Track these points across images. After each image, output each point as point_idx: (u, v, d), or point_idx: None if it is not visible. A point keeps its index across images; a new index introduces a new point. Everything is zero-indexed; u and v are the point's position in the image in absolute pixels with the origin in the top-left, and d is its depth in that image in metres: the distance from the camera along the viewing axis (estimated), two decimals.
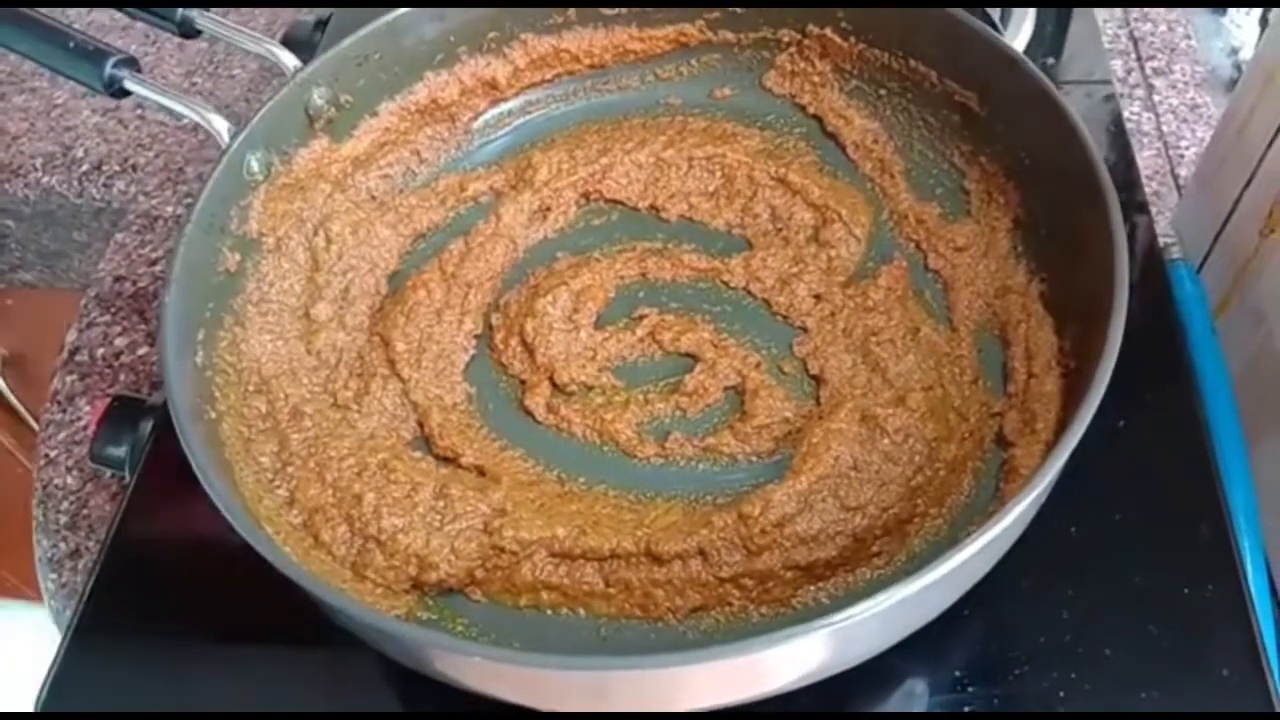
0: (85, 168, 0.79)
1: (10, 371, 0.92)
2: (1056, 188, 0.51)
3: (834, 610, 0.36)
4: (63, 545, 0.62)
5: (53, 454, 0.65)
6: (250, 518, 0.43)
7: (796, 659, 0.39)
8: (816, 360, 0.53)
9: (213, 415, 0.49)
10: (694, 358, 0.54)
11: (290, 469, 0.49)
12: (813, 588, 0.46)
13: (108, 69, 0.51)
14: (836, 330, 0.54)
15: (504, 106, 0.65)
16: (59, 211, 0.81)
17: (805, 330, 0.55)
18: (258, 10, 0.87)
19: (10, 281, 0.89)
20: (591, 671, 0.39)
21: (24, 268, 0.88)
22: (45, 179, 0.79)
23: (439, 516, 0.48)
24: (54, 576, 0.61)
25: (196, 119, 0.51)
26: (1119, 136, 0.67)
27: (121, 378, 0.68)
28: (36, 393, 0.81)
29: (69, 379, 0.68)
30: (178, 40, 0.62)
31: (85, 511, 0.63)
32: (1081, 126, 0.49)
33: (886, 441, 0.48)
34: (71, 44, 0.51)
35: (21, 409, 0.93)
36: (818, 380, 0.53)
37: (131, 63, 0.52)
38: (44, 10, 0.53)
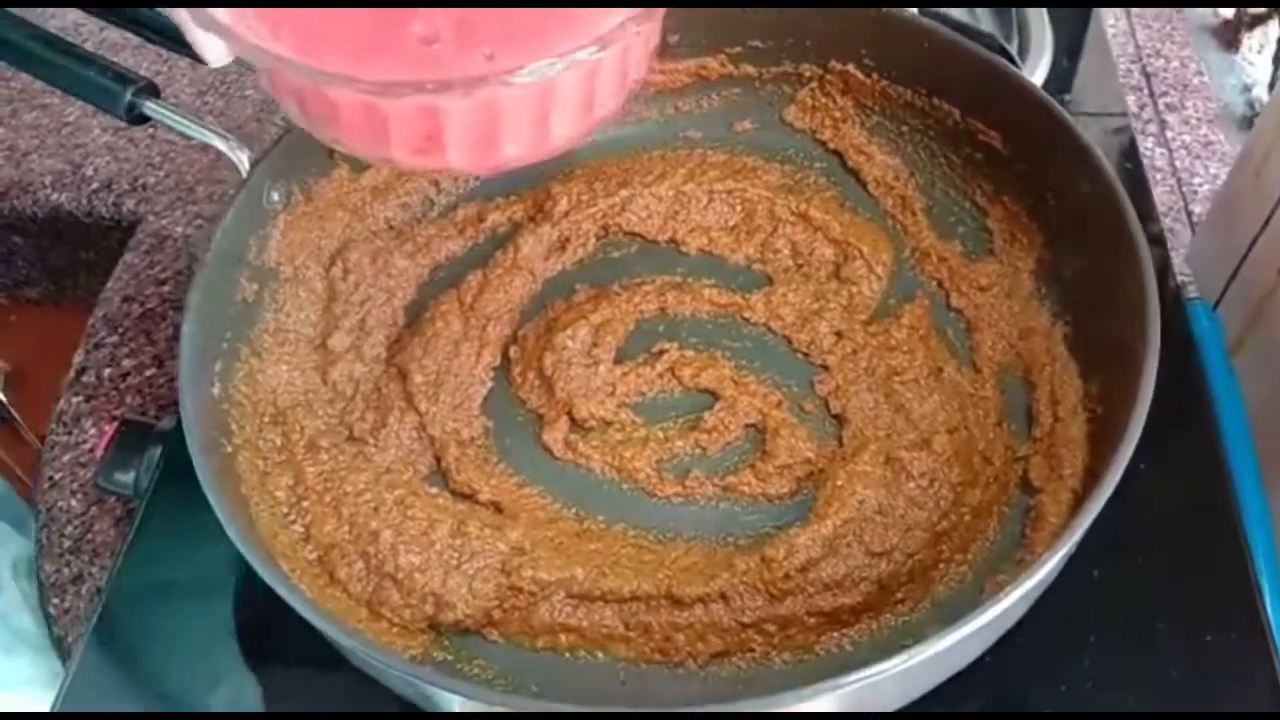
0: (95, 186, 0.78)
1: (12, 388, 0.91)
2: (1082, 230, 0.51)
3: (860, 665, 0.36)
4: (65, 570, 0.61)
5: (57, 476, 0.64)
6: (266, 555, 0.43)
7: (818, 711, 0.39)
8: (838, 399, 0.53)
9: (229, 449, 0.48)
10: (714, 394, 0.54)
11: (306, 504, 0.48)
12: (836, 634, 0.45)
13: (128, 96, 0.50)
14: (859, 369, 0.53)
15: None
16: (67, 229, 0.80)
17: (826, 368, 0.54)
18: None
19: (15, 297, 0.88)
20: None
21: (29, 284, 0.87)
22: (54, 196, 0.78)
23: (456, 555, 0.47)
24: (56, 602, 0.60)
25: (223, 148, 0.51)
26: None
27: (128, 399, 0.67)
28: (38, 408, 0.80)
29: (75, 400, 0.67)
30: (190, 60, 0.61)
31: (90, 536, 0.62)
32: (1109, 169, 0.49)
33: (912, 485, 0.48)
34: (92, 69, 0.51)
35: (23, 426, 0.92)
36: (839, 420, 0.52)
37: (151, 89, 0.51)
38: (55, 29, 0.52)
